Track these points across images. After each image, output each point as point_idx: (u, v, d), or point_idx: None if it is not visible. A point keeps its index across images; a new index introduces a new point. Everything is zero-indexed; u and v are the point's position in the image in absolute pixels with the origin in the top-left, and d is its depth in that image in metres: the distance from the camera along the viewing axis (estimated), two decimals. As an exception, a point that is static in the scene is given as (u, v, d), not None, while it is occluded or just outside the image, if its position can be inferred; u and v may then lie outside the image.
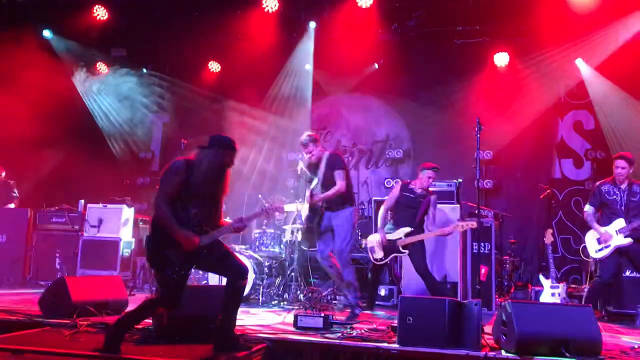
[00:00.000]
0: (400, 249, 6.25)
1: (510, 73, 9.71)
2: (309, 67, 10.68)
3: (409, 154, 10.40)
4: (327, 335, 4.45)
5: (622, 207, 6.19)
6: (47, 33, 10.65)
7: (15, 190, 8.71)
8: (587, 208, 6.43)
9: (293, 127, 10.94)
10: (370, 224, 8.70)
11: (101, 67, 11.22)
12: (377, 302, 7.17)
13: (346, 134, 10.94)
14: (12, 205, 8.59)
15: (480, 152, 5.96)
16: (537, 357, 3.92)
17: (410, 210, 6.40)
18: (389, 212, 6.65)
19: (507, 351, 4.05)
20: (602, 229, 6.21)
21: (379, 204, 7.91)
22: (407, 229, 6.26)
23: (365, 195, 9.97)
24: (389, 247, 6.33)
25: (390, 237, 6.34)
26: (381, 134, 10.70)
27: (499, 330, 4.24)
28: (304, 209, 6.44)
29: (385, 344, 4.17)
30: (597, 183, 6.55)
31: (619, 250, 6.12)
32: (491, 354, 4.02)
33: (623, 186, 6.25)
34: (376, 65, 10.43)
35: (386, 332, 4.50)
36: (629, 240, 6.03)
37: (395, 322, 4.45)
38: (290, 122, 10.87)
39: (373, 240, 6.53)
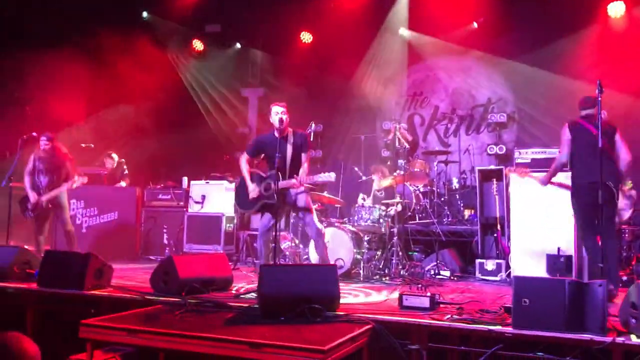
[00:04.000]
0: None
1: (626, 24, 8.81)
2: (403, 30, 10.30)
3: (513, 117, 9.82)
4: (434, 316, 4.26)
5: None
6: (145, 15, 10.96)
7: (125, 167, 9.11)
8: None
9: (388, 95, 10.65)
10: (473, 194, 8.33)
11: (197, 44, 11.44)
12: (483, 277, 6.88)
13: (444, 98, 10.50)
14: (122, 184, 9.00)
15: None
16: (675, 344, 3.53)
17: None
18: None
19: (638, 336, 3.67)
20: None
21: (482, 173, 7.54)
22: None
23: (467, 163, 9.51)
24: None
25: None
26: (482, 98, 10.17)
27: (627, 312, 3.85)
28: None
29: (499, 327, 3.91)
30: None
31: None
32: (619, 339, 3.66)
33: None
34: (475, 24, 9.85)
35: (498, 314, 4.23)
36: None
37: (508, 303, 4.19)
38: (386, 89, 10.57)
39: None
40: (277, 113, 6.06)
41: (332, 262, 6.33)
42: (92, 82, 9.81)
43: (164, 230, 8.59)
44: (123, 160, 9.16)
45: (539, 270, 6.21)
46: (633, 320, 3.77)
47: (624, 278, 6.41)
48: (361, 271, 6.66)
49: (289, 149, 6.05)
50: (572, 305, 3.81)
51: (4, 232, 6.94)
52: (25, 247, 6.24)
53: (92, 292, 5.10)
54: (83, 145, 9.17)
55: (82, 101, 10.28)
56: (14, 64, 9.14)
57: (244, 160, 6.28)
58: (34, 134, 7.36)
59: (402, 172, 7.43)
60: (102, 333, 3.92)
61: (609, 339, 3.65)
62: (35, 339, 2.31)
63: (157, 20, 11.06)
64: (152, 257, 8.35)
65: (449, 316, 4.19)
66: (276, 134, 6.08)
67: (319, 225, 6.14)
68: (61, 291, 5.14)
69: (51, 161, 7.37)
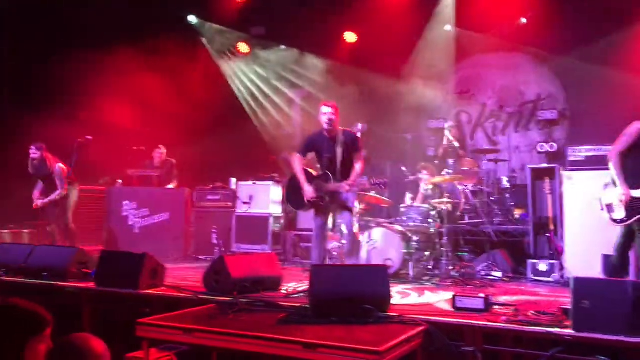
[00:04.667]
0: None
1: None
2: (449, 27, 10.17)
3: (564, 114, 9.54)
4: (489, 317, 4.18)
5: None
6: (192, 18, 11.15)
7: (175, 171, 9.28)
8: None
9: (435, 93, 10.52)
10: (523, 193, 8.12)
11: (242, 46, 11.57)
12: (535, 278, 6.71)
13: (492, 96, 10.30)
14: (172, 185, 9.17)
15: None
16: None
17: None
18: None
19: None
20: None
21: (535, 172, 7.36)
22: None
23: (517, 162, 9.30)
24: (633, 206, 5.13)
25: (636, 193, 5.12)
26: (531, 94, 9.94)
27: (694, 315, 3.69)
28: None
29: (557, 329, 3.81)
30: None
31: None
32: (688, 343, 3.51)
33: None
34: (524, 20, 9.62)
35: (556, 316, 4.12)
36: None
37: (565, 304, 4.08)
38: (432, 87, 10.44)
39: (612, 196, 5.30)
40: (325, 113, 6.02)
41: (380, 263, 6.31)
42: (143, 86, 10.01)
43: (213, 231, 8.70)
44: (174, 161, 9.33)
45: (594, 270, 6.02)
46: (701, 324, 3.61)
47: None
48: (410, 272, 6.59)
49: (339, 150, 6.01)
50: (635, 308, 3.68)
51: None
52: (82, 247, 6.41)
53: (147, 291, 5.21)
54: (135, 148, 9.39)
55: (133, 105, 10.51)
56: (69, 69, 9.43)
57: (297, 160, 6.25)
58: (89, 137, 7.58)
59: (450, 171, 7.33)
60: (158, 332, 4.01)
61: (676, 343, 3.51)
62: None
63: (204, 24, 11.24)
64: (201, 257, 8.48)
65: (504, 317, 4.11)
66: (325, 134, 6.07)
67: (355, 229, 6.14)
68: (117, 290, 5.28)
69: (41, 169, 7.81)
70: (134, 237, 8.54)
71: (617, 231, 5.92)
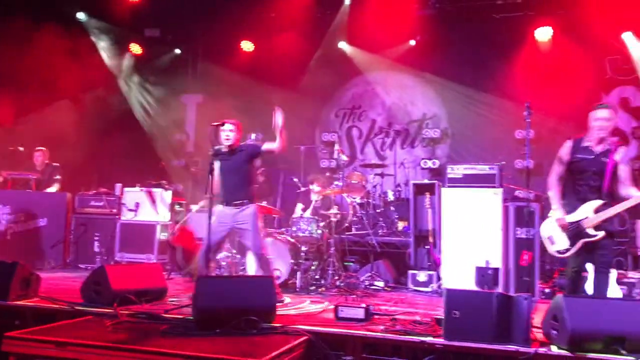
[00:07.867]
0: (590, 231, 4.73)
1: (552, 48, 9.35)
2: (343, 44, 10.47)
3: (446, 132, 10.19)
4: (369, 327, 4.35)
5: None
6: (81, 15, 10.63)
7: (58, 175, 8.75)
8: None
9: (328, 107, 10.78)
10: (407, 206, 8.52)
11: (134, 47, 11.20)
12: (415, 288, 7.06)
13: (381, 113, 10.76)
14: (53, 189, 8.64)
15: (522, 130, 5.68)
16: (591, 355, 3.75)
17: (592, 176, 4.78)
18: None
19: (559, 347, 3.88)
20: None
21: (418, 187, 7.74)
22: (597, 202, 4.74)
23: (402, 176, 9.76)
24: (574, 231, 4.79)
25: (571, 218, 4.83)
26: (417, 113, 10.50)
27: (549, 324, 4.07)
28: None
29: (430, 338, 4.05)
30: None
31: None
32: (542, 350, 3.87)
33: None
34: (413, 42, 10.16)
35: (430, 325, 4.38)
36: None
37: (439, 314, 4.34)
38: (326, 101, 10.69)
39: (549, 227, 5.00)
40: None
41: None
42: (22, 83, 9.40)
43: (96, 238, 8.31)
44: (57, 164, 8.80)
45: (469, 282, 6.43)
46: (554, 332, 3.99)
47: (547, 290, 6.73)
48: (298, 281, 6.69)
49: None
50: (499, 318, 3.99)
51: None
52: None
53: (18, 302, 4.89)
54: (11, 148, 8.78)
55: (12, 103, 9.80)
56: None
57: None
58: None
59: (340, 184, 7.54)
60: (27, 346, 3.80)
61: (532, 350, 3.85)
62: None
63: (94, 22, 10.75)
64: (82, 266, 8.08)
65: (382, 327, 4.29)
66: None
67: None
68: (-17, 301, 4.91)
69: None
70: (6, 243, 7.94)
71: (489, 243, 6.39)
